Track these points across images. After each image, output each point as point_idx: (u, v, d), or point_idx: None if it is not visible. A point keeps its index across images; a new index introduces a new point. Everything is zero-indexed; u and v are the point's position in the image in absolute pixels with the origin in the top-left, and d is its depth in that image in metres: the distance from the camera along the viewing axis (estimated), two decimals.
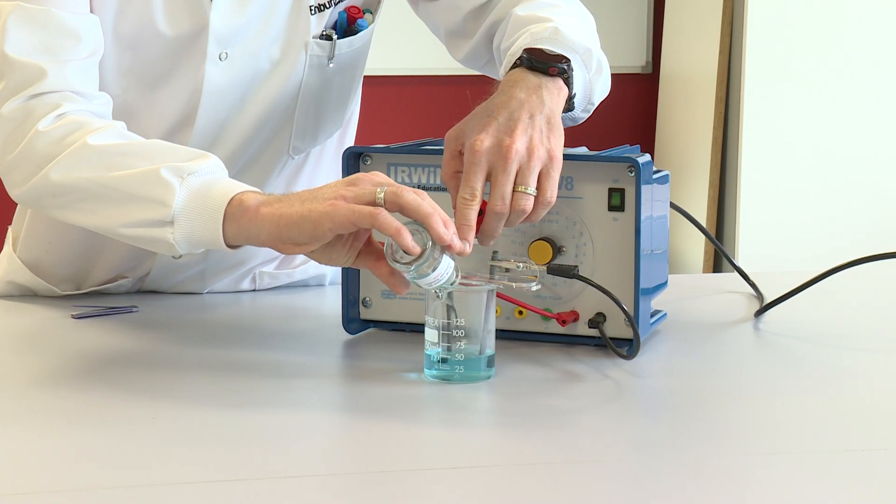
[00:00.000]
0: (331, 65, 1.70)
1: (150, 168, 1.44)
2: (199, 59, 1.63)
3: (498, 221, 1.40)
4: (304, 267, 1.84)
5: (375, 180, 1.35)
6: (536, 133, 1.41)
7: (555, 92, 1.46)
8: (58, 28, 1.54)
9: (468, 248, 1.37)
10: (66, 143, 1.49)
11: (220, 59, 1.63)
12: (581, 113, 1.57)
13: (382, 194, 1.32)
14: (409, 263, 1.31)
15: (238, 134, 1.68)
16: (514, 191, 1.39)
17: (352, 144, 1.87)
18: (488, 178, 1.41)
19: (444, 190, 1.53)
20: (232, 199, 1.39)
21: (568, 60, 1.48)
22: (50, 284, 1.76)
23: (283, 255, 1.83)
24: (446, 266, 1.34)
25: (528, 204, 1.40)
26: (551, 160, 1.41)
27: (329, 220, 1.32)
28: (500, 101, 1.44)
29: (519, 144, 1.40)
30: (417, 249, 1.31)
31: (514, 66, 1.48)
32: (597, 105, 1.61)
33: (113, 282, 1.77)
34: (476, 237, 1.39)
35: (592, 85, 1.56)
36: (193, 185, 1.42)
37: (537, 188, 1.40)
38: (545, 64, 1.47)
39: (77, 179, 1.48)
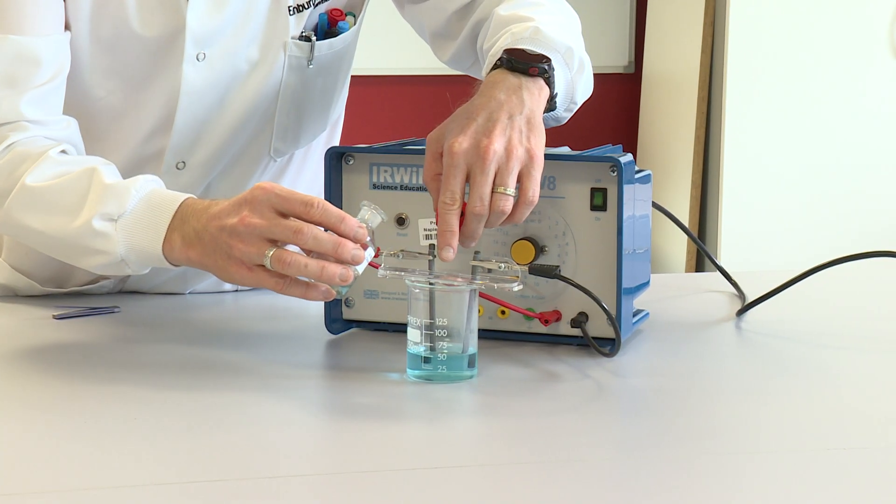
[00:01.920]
0: (311, 66, 1.70)
1: (83, 223, 1.48)
2: (178, 60, 1.63)
3: (478, 223, 1.40)
4: None
5: (262, 228, 1.37)
6: (515, 133, 1.41)
7: (535, 92, 1.46)
8: (16, 56, 1.55)
9: (451, 254, 1.38)
10: (13, 179, 1.53)
11: (198, 59, 1.63)
12: (564, 112, 1.57)
13: (269, 261, 1.37)
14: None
15: (218, 135, 1.68)
16: (493, 192, 1.39)
17: (338, 142, 1.88)
18: (469, 180, 1.41)
19: (426, 190, 1.53)
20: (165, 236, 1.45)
21: (549, 60, 1.48)
22: (32, 281, 1.76)
23: None
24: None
25: (508, 204, 1.40)
26: (531, 160, 1.41)
27: (234, 281, 1.41)
28: (479, 103, 1.44)
29: (497, 145, 1.40)
30: (332, 294, 1.39)
31: (495, 66, 1.48)
32: (580, 104, 1.61)
33: (95, 282, 1.77)
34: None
35: (575, 84, 1.56)
36: (128, 225, 1.47)
37: (519, 188, 1.40)
38: (525, 64, 1.47)
39: (28, 226, 1.53)
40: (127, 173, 1.61)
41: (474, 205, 1.39)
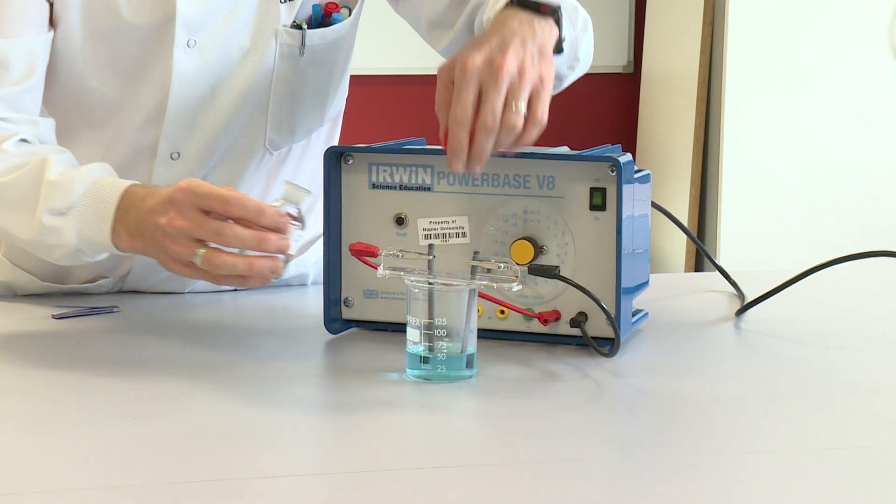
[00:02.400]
0: (303, 55, 1.70)
1: (36, 220, 1.52)
2: (169, 48, 1.64)
3: (487, 138, 1.38)
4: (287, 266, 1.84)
5: (188, 229, 1.40)
6: (528, 56, 1.41)
7: (546, 28, 1.46)
8: None
9: (461, 167, 1.39)
10: None
11: (189, 45, 1.64)
12: (567, 70, 1.58)
13: (199, 259, 1.40)
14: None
15: (211, 125, 1.68)
16: (504, 109, 1.39)
17: (337, 140, 1.88)
18: (481, 96, 1.39)
19: (425, 190, 1.53)
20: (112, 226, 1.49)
21: (558, 6, 1.49)
22: (33, 276, 1.76)
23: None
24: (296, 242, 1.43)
25: (519, 122, 1.39)
26: (542, 83, 1.41)
27: (176, 273, 1.45)
28: (491, 31, 1.44)
29: (510, 63, 1.39)
30: (269, 281, 1.43)
31: (504, 8, 1.48)
32: (582, 66, 1.62)
33: (93, 281, 1.77)
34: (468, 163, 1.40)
35: (578, 42, 1.58)
36: (76, 217, 1.50)
37: (528, 110, 1.40)
38: (537, 3, 1.47)
39: None
40: (123, 164, 1.63)
41: (486, 119, 1.38)
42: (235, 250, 1.41)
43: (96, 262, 1.74)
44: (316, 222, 1.81)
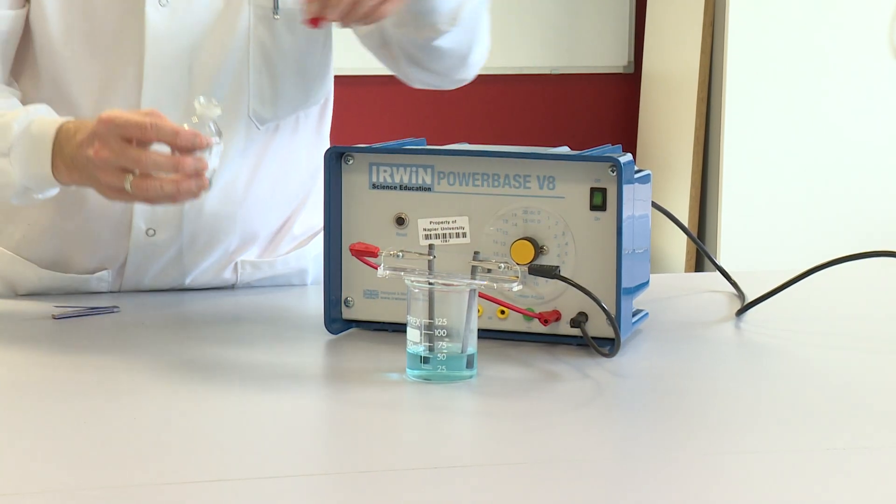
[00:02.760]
0: (276, 17, 1.71)
1: None
2: (141, 8, 1.67)
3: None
4: (286, 257, 1.85)
5: (112, 159, 1.48)
6: None
7: None
8: None
9: (315, 9, 1.49)
10: None
11: (161, 4, 1.67)
12: (444, 25, 1.64)
13: (130, 188, 1.48)
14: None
15: (190, 90, 1.69)
16: None
17: (328, 127, 1.88)
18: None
19: (426, 190, 1.53)
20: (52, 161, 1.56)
21: None
22: (33, 264, 1.78)
23: (265, 244, 1.83)
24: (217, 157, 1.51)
25: None
26: None
27: (115, 200, 1.56)
28: None
29: None
30: (199, 194, 1.50)
31: None
32: (465, 34, 1.68)
33: (93, 272, 1.77)
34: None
35: (463, 5, 1.64)
36: (18, 157, 1.57)
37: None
38: None
39: None
40: None
41: None
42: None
43: (93, 238, 1.75)
44: (316, 216, 1.84)
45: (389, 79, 1.91)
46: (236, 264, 1.82)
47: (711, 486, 1.12)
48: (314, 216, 1.86)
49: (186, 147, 1.47)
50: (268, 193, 1.80)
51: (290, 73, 1.76)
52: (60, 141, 1.55)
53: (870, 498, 1.09)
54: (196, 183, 1.48)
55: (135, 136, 1.48)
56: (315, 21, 1.50)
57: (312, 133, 1.84)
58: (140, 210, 1.73)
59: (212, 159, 1.49)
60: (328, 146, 1.88)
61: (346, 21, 1.50)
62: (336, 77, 1.87)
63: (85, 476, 1.12)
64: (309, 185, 1.85)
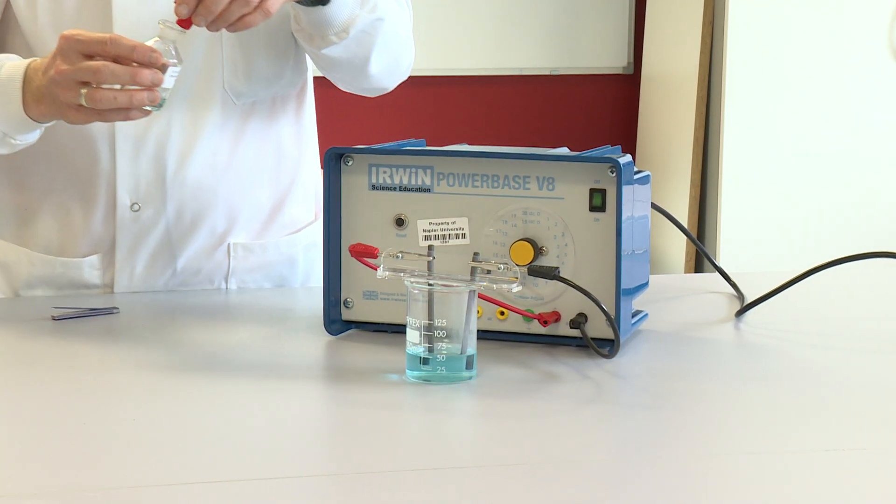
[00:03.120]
0: None
1: None
2: None
3: (217, 3, 1.51)
4: (276, 242, 1.86)
5: (71, 73, 1.52)
6: None
7: None
8: None
9: (185, 10, 1.53)
10: None
11: None
12: (333, 35, 1.68)
13: (84, 100, 1.53)
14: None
15: None
16: None
17: (311, 119, 1.89)
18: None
19: (425, 191, 1.53)
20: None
21: None
22: (29, 250, 1.79)
23: (255, 229, 1.84)
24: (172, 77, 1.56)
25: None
26: None
27: (77, 123, 1.58)
28: None
29: None
30: (150, 111, 1.57)
31: None
32: (359, 45, 1.72)
33: (84, 257, 1.78)
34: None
35: (355, 20, 1.68)
36: None
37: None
38: None
39: None
40: None
41: None
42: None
43: (82, 228, 1.76)
44: (305, 207, 1.87)
45: None
46: (228, 246, 1.82)
47: (711, 486, 1.12)
48: (303, 209, 1.87)
49: (143, 61, 1.52)
50: (249, 171, 1.81)
51: (261, 46, 1.78)
52: (30, 76, 1.60)
53: (870, 498, 1.09)
54: (149, 95, 1.53)
55: (95, 52, 1.53)
56: (185, 23, 1.54)
57: (292, 120, 1.86)
58: (123, 183, 1.74)
59: (167, 79, 1.55)
60: (313, 138, 1.89)
61: (212, 27, 1.55)
62: None
63: (84, 476, 1.12)
64: (292, 174, 1.86)
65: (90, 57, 1.54)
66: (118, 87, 1.53)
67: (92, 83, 1.53)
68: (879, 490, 1.11)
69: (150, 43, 1.54)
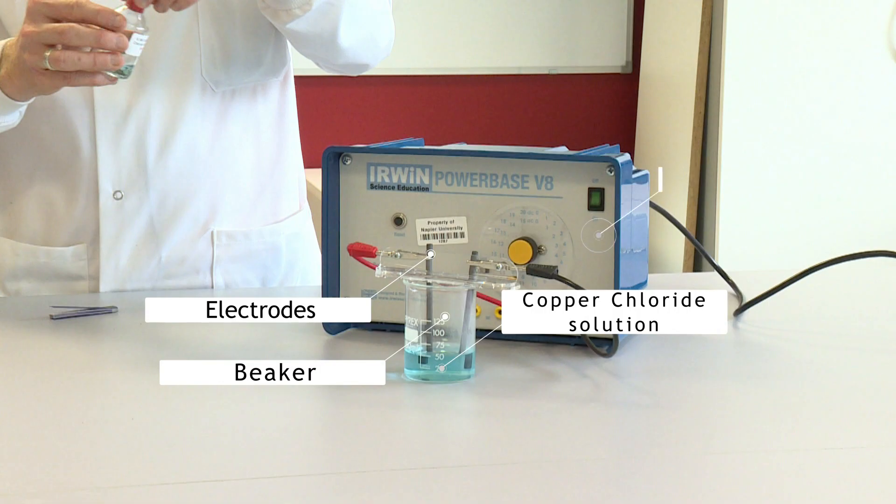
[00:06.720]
0: None
1: None
2: None
3: None
4: (260, 230, 1.86)
5: (36, 35, 1.54)
6: None
7: None
8: None
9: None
10: None
11: None
12: (297, 8, 1.67)
13: (48, 63, 1.55)
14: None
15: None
16: None
17: (293, 112, 1.89)
18: None
19: (424, 190, 1.53)
20: None
21: None
22: (15, 241, 1.79)
23: (238, 218, 1.84)
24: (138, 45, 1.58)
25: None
26: None
27: (45, 92, 1.61)
28: None
29: None
30: (115, 78, 1.58)
31: None
32: (320, 13, 1.70)
33: (68, 246, 1.78)
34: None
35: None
36: None
37: None
38: None
39: None
40: (53, 103, 1.73)
41: None
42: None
43: (65, 217, 1.77)
44: (288, 196, 1.88)
45: (388, 79, 1.92)
46: (212, 234, 1.82)
47: (710, 486, 1.12)
48: (287, 198, 1.87)
49: (107, 24, 1.54)
50: (230, 160, 1.81)
51: (238, 32, 1.77)
52: (6, 53, 1.61)
53: (868, 496, 1.09)
54: (113, 58, 1.54)
55: (63, 16, 1.54)
56: (131, 3, 1.56)
57: (274, 112, 1.86)
58: (105, 171, 1.75)
59: (133, 46, 1.56)
60: (294, 129, 1.89)
61: (158, 7, 1.56)
62: (334, 77, 1.87)
63: (83, 476, 1.12)
64: (273, 162, 1.86)
65: (58, 21, 1.55)
66: (87, 50, 1.54)
67: (58, 45, 1.54)
68: (878, 488, 1.11)
69: (117, 9, 1.55)
